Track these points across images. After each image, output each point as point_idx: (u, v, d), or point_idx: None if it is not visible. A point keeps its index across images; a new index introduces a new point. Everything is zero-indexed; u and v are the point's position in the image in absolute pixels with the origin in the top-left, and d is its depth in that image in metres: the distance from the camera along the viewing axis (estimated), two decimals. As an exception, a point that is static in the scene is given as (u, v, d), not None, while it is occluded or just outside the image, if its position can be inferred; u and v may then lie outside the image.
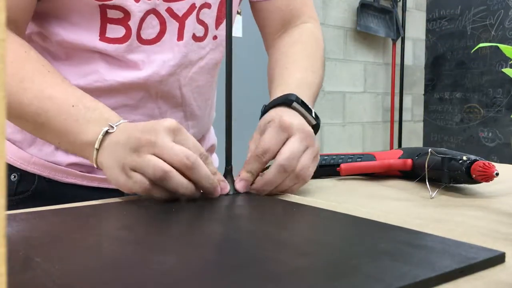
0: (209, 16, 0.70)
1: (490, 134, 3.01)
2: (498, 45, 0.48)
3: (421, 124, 3.39)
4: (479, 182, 0.56)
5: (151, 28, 0.65)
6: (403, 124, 3.18)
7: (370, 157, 0.70)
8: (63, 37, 0.64)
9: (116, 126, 0.53)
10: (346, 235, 0.40)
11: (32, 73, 0.57)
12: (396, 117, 3.13)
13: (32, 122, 0.57)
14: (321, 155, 0.72)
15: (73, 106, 0.56)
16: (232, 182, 0.55)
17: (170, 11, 0.65)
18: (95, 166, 0.54)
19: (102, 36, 0.64)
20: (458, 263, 0.31)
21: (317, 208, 0.48)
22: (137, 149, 0.49)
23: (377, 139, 3.11)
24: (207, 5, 0.69)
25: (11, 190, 0.69)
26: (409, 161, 0.66)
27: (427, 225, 0.42)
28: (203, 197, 0.51)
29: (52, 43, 0.66)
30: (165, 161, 0.48)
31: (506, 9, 2.90)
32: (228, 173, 0.56)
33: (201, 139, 0.81)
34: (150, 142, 0.49)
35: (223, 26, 0.72)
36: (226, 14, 0.57)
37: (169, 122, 0.51)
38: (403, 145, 3.16)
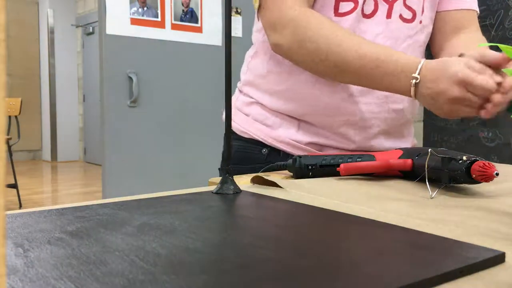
0: (415, 3, 0.91)
1: (490, 134, 3.01)
2: (498, 45, 0.48)
3: (421, 124, 3.39)
4: (479, 182, 0.56)
5: (368, 5, 0.88)
6: (403, 124, 3.17)
7: (370, 157, 0.70)
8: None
9: (417, 75, 0.73)
10: (346, 234, 0.40)
11: (344, 37, 0.80)
12: (396, 117, 3.12)
13: (352, 76, 0.80)
14: (321, 155, 0.73)
15: (382, 60, 0.77)
16: (232, 182, 0.55)
17: None
18: (413, 97, 0.75)
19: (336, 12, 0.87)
20: (458, 263, 0.31)
21: (317, 208, 0.48)
22: (444, 101, 0.71)
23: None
24: None
25: (262, 159, 0.93)
26: (409, 161, 0.66)
27: (427, 225, 0.42)
28: (203, 198, 0.51)
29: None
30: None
31: (506, 9, 2.90)
32: (228, 173, 0.56)
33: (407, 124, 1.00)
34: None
35: (426, 12, 0.94)
36: (226, 14, 0.57)
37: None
38: (403, 145, 3.15)
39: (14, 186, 4.18)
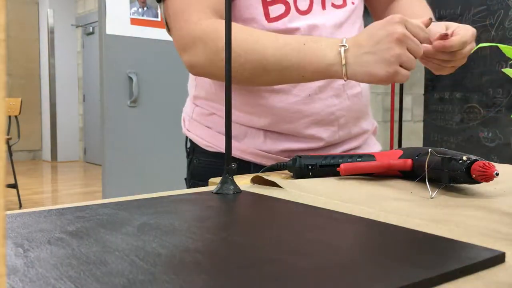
0: None
1: (490, 134, 3.01)
2: (498, 45, 0.48)
3: (421, 124, 3.39)
4: (479, 182, 0.56)
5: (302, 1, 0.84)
6: (403, 124, 3.18)
7: (370, 157, 0.70)
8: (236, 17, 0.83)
9: (345, 43, 0.71)
10: (346, 235, 0.40)
11: (260, 34, 0.76)
12: (396, 117, 3.13)
13: (276, 69, 0.74)
14: (321, 155, 0.73)
15: (304, 44, 0.73)
16: (232, 182, 0.55)
17: None
18: (345, 79, 0.71)
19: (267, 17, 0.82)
20: (458, 263, 0.31)
21: (317, 208, 0.48)
22: (390, 41, 0.68)
23: (377, 139, 3.10)
24: None
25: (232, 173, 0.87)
26: (409, 161, 0.66)
27: (427, 225, 0.42)
28: (203, 198, 0.51)
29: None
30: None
31: (506, 9, 2.90)
32: (228, 173, 0.56)
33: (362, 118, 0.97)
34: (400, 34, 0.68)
35: None
36: (226, 14, 0.57)
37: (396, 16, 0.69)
38: (403, 145, 3.16)
39: (14, 186, 4.18)
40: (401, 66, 0.69)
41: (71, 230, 0.40)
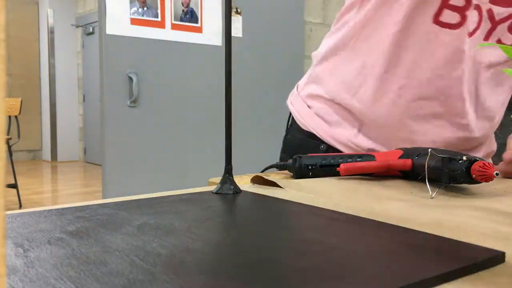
0: None
1: (490, 134, 3.00)
2: (498, 45, 0.48)
3: (421, 124, 3.38)
4: (479, 182, 0.56)
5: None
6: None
7: (370, 157, 0.70)
8: None
9: None
10: (346, 234, 0.40)
11: None
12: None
13: None
14: (321, 155, 0.73)
15: None
16: (232, 182, 0.55)
17: (490, 12, 0.79)
18: None
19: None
20: (458, 263, 0.31)
21: (317, 208, 0.48)
22: None
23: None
24: None
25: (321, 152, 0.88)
26: (409, 161, 0.66)
27: (427, 225, 0.42)
28: (203, 198, 0.51)
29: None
30: None
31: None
32: (228, 173, 0.56)
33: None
34: None
35: None
36: (226, 14, 0.57)
37: None
38: (403, 145, 3.15)
39: (14, 186, 4.18)
40: None
41: (71, 230, 0.40)
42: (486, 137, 0.92)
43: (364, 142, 0.86)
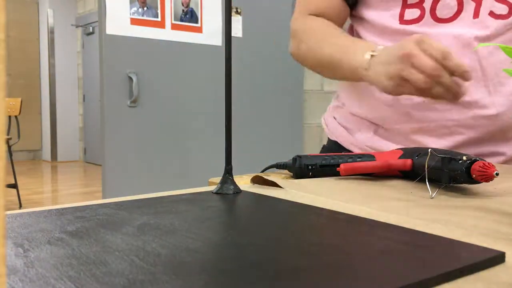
0: None
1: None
2: (498, 45, 0.48)
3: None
4: (479, 182, 0.56)
5: (448, 9, 0.82)
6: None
7: (370, 157, 0.70)
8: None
9: (375, 50, 0.74)
10: (346, 234, 0.40)
11: (325, 34, 0.87)
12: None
13: (327, 66, 0.85)
14: (321, 155, 0.73)
15: (352, 42, 0.82)
16: (232, 182, 0.55)
17: None
18: (367, 81, 0.75)
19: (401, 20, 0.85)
20: (458, 263, 0.31)
21: (317, 208, 0.48)
22: (395, 56, 0.69)
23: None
24: None
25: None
26: (409, 161, 0.66)
27: (427, 225, 0.42)
28: (203, 198, 0.51)
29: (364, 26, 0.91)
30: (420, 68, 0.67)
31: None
32: (228, 173, 0.56)
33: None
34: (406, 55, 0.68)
35: None
36: (226, 14, 0.57)
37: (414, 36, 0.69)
38: (403, 145, 3.15)
39: (14, 186, 4.18)
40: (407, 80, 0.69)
41: (71, 230, 0.40)
42: None
43: (378, 143, 0.90)
